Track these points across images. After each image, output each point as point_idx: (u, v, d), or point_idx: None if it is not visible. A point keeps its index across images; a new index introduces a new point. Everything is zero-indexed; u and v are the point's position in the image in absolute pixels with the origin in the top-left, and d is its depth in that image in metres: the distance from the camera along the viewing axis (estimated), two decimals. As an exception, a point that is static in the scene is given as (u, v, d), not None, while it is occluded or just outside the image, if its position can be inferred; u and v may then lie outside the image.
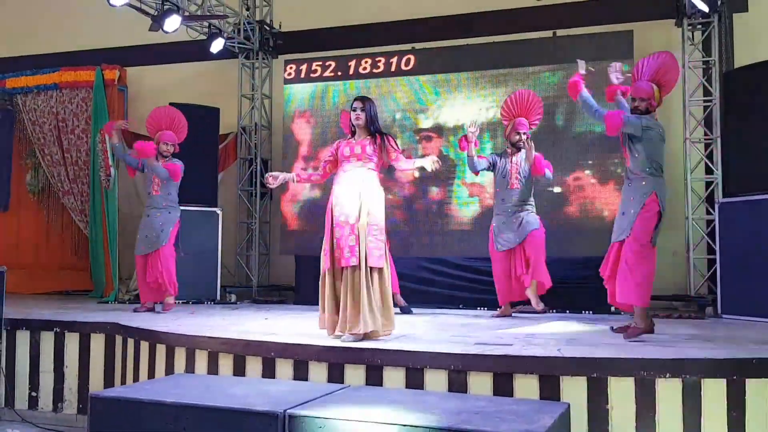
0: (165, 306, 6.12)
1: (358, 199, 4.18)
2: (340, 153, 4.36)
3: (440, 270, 7.03)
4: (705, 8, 6.41)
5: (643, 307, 4.19)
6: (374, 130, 4.34)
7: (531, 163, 5.62)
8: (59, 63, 8.63)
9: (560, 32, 7.05)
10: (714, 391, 3.23)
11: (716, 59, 6.70)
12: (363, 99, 4.42)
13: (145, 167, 6.26)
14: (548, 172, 5.68)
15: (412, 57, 7.43)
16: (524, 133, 5.67)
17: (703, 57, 6.79)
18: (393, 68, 7.48)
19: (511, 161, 5.74)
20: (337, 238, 4.15)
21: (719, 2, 6.47)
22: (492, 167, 5.79)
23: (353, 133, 4.41)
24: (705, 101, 6.75)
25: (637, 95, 4.45)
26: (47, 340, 5.02)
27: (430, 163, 4.22)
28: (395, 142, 4.43)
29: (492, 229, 5.77)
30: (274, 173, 4.51)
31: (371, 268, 4.09)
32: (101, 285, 7.79)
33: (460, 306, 6.62)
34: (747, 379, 3.23)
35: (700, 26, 6.80)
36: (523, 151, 5.68)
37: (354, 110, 4.36)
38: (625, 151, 4.42)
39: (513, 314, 5.82)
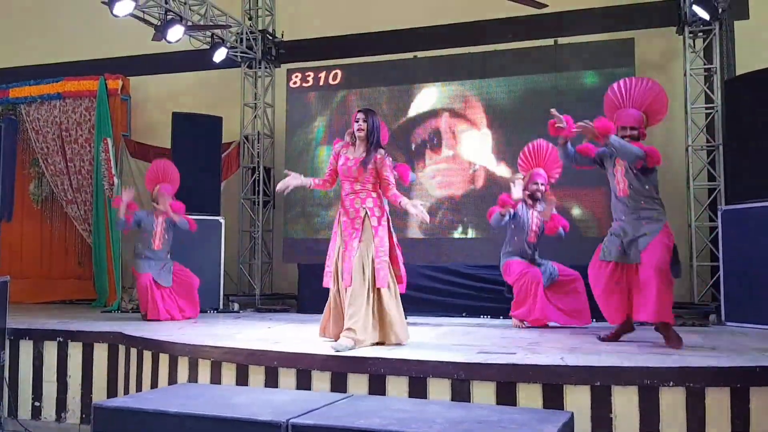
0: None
1: (361, 231, 4.33)
2: (339, 167, 4.46)
3: (443, 278, 7.01)
4: (706, 16, 6.43)
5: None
6: (373, 145, 4.37)
7: (547, 219, 5.57)
8: (63, 73, 8.69)
9: (562, 40, 7.08)
10: (718, 400, 3.22)
11: (718, 67, 6.71)
12: (366, 111, 4.47)
13: (142, 222, 6.32)
14: (561, 231, 5.62)
15: (414, 65, 7.47)
16: (542, 184, 5.60)
17: (705, 64, 6.80)
18: (394, 77, 7.51)
19: (532, 214, 5.66)
20: (344, 262, 4.33)
21: (720, 10, 6.48)
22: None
23: (353, 143, 4.46)
24: (707, 108, 6.76)
25: (628, 123, 4.30)
26: (50, 349, 5.02)
27: (414, 210, 4.24)
28: (391, 170, 4.43)
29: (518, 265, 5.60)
30: (293, 174, 4.53)
31: (378, 288, 4.32)
32: (104, 294, 7.80)
33: (463, 314, 6.62)
34: (751, 387, 3.22)
35: (701, 34, 6.82)
36: (539, 203, 5.64)
37: (357, 121, 4.41)
38: (618, 178, 4.32)
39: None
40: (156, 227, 6.32)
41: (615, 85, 4.48)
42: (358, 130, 4.38)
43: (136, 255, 6.33)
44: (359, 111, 4.48)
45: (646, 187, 4.27)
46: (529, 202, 5.68)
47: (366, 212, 4.35)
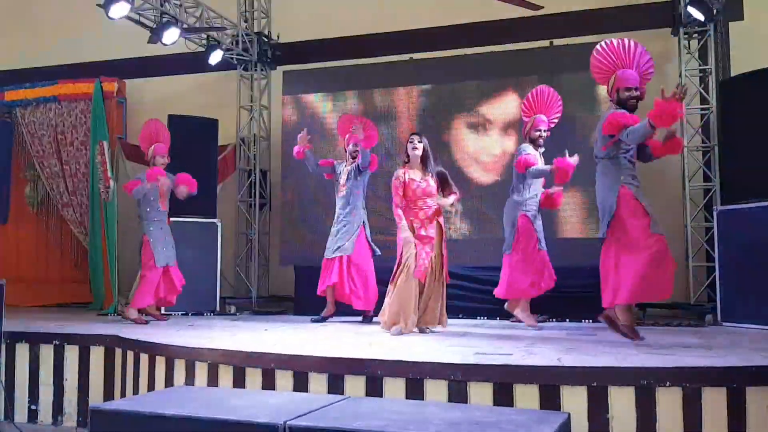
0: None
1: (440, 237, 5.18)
2: (412, 190, 5.09)
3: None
4: (701, 17, 6.45)
5: None
6: (430, 165, 5.16)
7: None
8: (58, 75, 8.67)
9: (557, 42, 7.10)
10: (714, 400, 3.22)
11: (713, 68, 6.73)
12: (420, 134, 5.27)
13: (147, 193, 6.23)
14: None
15: (409, 67, 7.49)
16: (545, 131, 5.60)
17: (700, 65, 6.82)
18: (391, 78, 7.53)
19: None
20: (423, 260, 5.03)
21: (715, 11, 6.51)
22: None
23: (406, 162, 5.18)
24: (702, 109, 6.78)
25: (633, 84, 4.25)
26: (47, 352, 5.00)
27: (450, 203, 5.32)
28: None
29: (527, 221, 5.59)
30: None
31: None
32: (101, 297, 7.78)
33: (460, 315, 6.61)
34: (747, 387, 3.23)
35: (696, 35, 6.84)
36: (541, 149, 5.62)
37: (411, 141, 5.16)
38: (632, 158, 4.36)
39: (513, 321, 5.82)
40: (160, 188, 6.24)
41: (601, 47, 4.41)
42: (413, 149, 5.12)
43: (146, 221, 6.21)
44: (414, 134, 5.28)
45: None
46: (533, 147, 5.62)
47: (437, 219, 5.17)
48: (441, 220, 5.23)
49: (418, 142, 5.13)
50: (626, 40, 4.43)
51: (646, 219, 4.24)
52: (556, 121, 5.81)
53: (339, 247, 6.10)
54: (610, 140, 4.28)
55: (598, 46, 4.46)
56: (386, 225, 6.53)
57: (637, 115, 4.34)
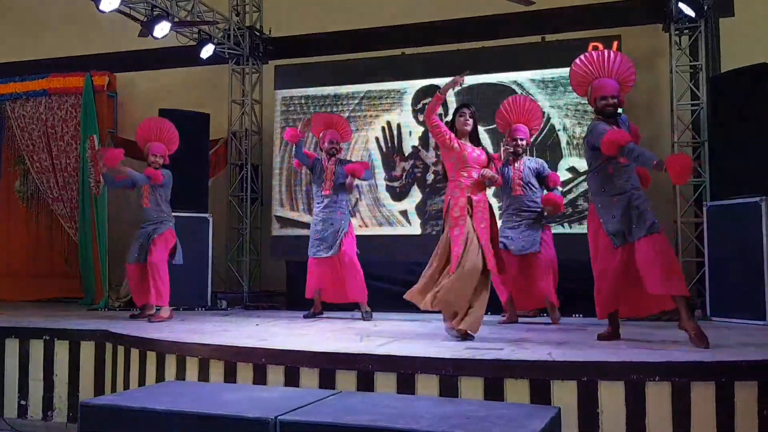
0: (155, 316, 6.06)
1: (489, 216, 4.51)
2: (468, 154, 4.50)
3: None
4: (692, 13, 6.47)
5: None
6: (478, 141, 4.63)
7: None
8: (48, 69, 8.61)
9: (549, 37, 7.10)
10: (703, 394, 3.25)
11: (703, 64, 6.75)
12: (469, 105, 4.66)
13: (137, 182, 6.19)
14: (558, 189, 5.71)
15: (402, 62, 7.48)
16: (521, 139, 5.56)
17: (691, 61, 6.85)
18: (383, 73, 7.51)
19: (513, 168, 5.60)
20: (484, 244, 4.35)
21: (706, 7, 6.54)
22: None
23: (461, 136, 4.53)
24: (692, 105, 6.81)
25: (609, 92, 4.22)
26: (37, 347, 4.98)
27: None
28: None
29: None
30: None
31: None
32: (91, 292, 7.76)
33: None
34: (736, 382, 3.25)
35: (687, 31, 6.86)
36: (525, 157, 5.65)
37: (462, 114, 4.56)
38: (611, 165, 4.21)
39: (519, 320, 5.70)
40: (144, 186, 6.12)
41: (579, 61, 4.41)
42: (464, 123, 4.54)
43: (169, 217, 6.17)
44: (464, 106, 4.65)
45: (631, 167, 4.25)
46: (511, 158, 5.57)
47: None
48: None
49: (470, 116, 4.57)
50: (606, 51, 4.46)
51: (605, 239, 4.23)
52: (538, 128, 5.81)
53: (325, 247, 6.06)
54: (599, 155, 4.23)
55: (576, 60, 4.44)
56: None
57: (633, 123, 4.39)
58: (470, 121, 4.56)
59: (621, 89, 4.33)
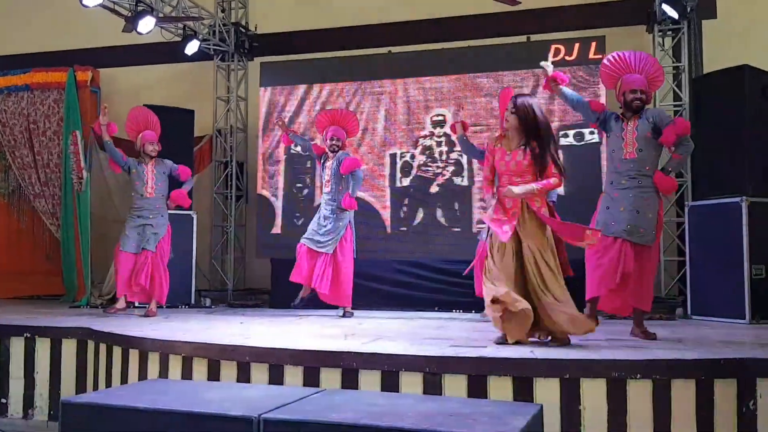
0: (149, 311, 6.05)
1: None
2: (497, 163, 4.05)
3: (416, 273, 7.06)
4: (675, 15, 6.55)
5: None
6: (530, 135, 3.93)
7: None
8: (31, 64, 8.51)
9: (534, 37, 7.14)
10: (683, 392, 3.29)
11: (686, 65, 6.82)
12: (518, 96, 4.06)
13: (131, 168, 6.17)
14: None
15: (388, 60, 7.47)
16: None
17: (673, 63, 6.92)
18: (369, 72, 7.51)
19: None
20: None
21: (689, 9, 6.60)
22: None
23: (503, 136, 4.07)
24: (675, 106, 6.87)
25: (638, 86, 4.37)
26: (17, 345, 4.92)
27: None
28: (556, 158, 3.98)
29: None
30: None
31: None
32: (73, 289, 7.69)
33: (436, 308, 6.65)
34: (715, 379, 3.30)
35: (670, 32, 6.93)
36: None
37: (507, 109, 4.02)
38: (628, 147, 4.34)
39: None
40: (146, 173, 6.15)
41: (611, 57, 4.57)
42: (504, 120, 4.05)
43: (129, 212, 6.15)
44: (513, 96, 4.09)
45: (653, 153, 4.38)
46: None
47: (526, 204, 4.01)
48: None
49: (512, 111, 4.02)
50: (637, 52, 4.60)
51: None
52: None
53: (320, 243, 6.07)
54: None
55: (609, 56, 4.63)
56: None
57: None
58: (511, 119, 4.03)
59: (649, 87, 4.48)
